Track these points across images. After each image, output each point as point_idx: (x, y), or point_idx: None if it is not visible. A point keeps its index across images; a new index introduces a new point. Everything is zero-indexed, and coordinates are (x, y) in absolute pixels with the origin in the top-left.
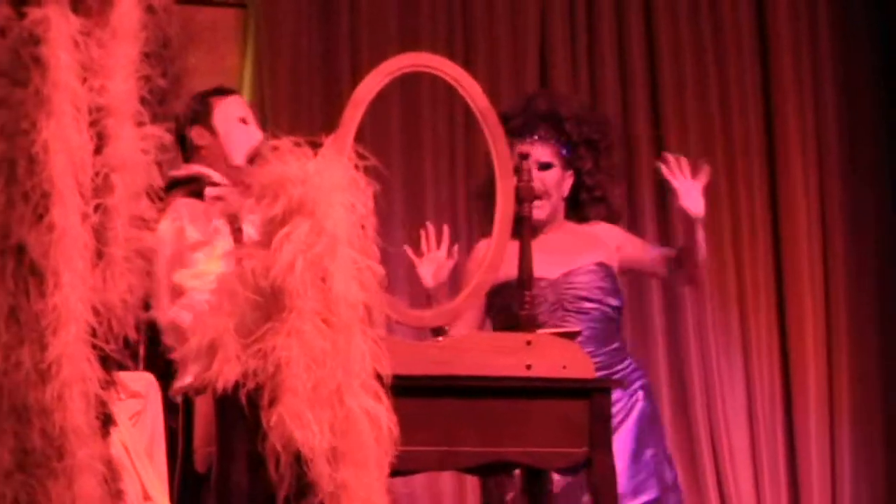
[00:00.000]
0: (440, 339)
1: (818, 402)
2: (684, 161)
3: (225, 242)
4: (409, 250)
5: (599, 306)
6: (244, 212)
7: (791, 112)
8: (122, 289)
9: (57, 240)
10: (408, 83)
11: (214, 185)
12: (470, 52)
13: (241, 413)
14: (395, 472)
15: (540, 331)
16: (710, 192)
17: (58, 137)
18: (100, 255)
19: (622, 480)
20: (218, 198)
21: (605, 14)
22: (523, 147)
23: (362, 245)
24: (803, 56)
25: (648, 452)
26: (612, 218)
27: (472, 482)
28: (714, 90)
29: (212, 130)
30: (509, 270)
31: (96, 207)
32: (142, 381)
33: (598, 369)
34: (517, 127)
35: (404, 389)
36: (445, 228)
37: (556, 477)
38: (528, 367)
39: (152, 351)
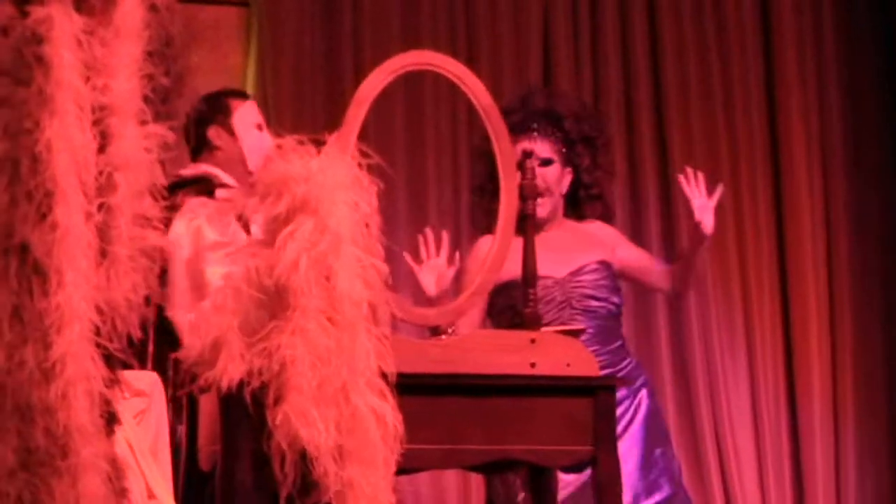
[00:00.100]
0: (444, 337)
1: (822, 401)
2: (701, 177)
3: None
4: (408, 257)
5: (605, 304)
6: (248, 211)
7: (795, 112)
8: (126, 287)
9: (60, 239)
10: (411, 81)
11: (223, 185)
12: (473, 50)
13: (246, 411)
14: (401, 471)
15: (544, 329)
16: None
17: (61, 136)
18: (103, 253)
19: (634, 480)
20: (228, 200)
21: (609, 12)
22: (524, 143)
23: (366, 243)
24: (807, 55)
25: (658, 451)
26: (607, 215)
27: (476, 480)
28: (718, 89)
29: (230, 132)
30: (512, 269)
31: (100, 206)
32: (146, 380)
33: (602, 368)
34: (515, 123)
35: (409, 387)
36: (444, 235)
37: (566, 479)
38: (533, 365)
39: (162, 350)
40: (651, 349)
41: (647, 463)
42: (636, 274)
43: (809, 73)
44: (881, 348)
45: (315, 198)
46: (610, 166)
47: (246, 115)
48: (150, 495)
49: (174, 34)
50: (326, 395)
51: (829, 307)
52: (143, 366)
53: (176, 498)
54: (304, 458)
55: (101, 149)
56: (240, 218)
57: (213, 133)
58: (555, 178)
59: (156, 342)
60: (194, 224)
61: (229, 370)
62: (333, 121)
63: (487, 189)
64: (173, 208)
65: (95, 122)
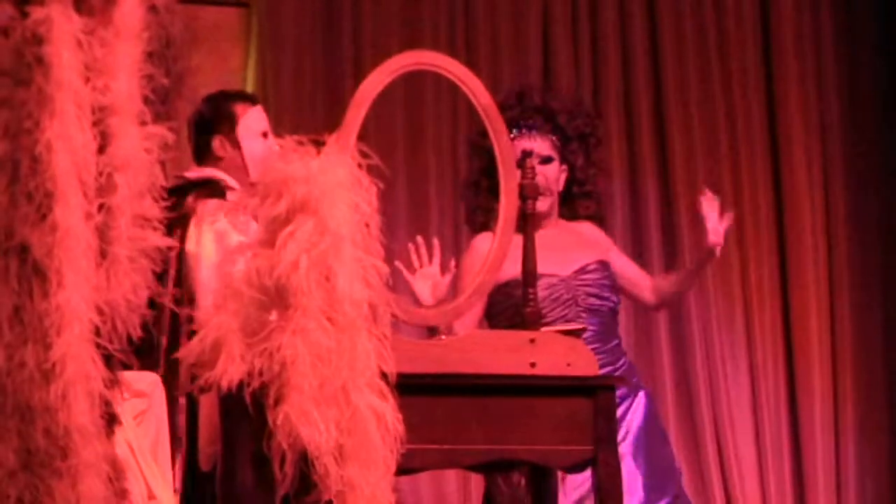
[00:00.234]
0: (442, 337)
1: (823, 402)
2: (716, 200)
3: None
4: (401, 266)
5: (606, 303)
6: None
7: (795, 112)
8: (126, 288)
9: (60, 239)
10: (411, 81)
11: (230, 188)
12: (472, 50)
13: (246, 412)
14: (401, 471)
15: (547, 326)
16: (714, 193)
17: (61, 137)
18: (103, 254)
19: (642, 481)
20: (239, 201)
21: (609, 12)
22: (523, 141)
23: (366, 243)
24: (807, 55)
25: (661, 450)
26: (599, 213)
27: (476, 480)
28: (717, 89)
29: (234, 143)
30: (512, 267)
31: (100, 207)
32: (146, 381)
33: (601, 366)
34: (512, 119)
35: (409, 388)
36: (436, 242)
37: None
38: (533, 365)
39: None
40: (651, 351)
41: (652, 464)
42: (623, 283)
43: (809, 72)
44: (881, 349)
45: (315, 198)
46: (603, 163)
47: (251, 124)
48: (151, 496)
49: (174, 35)
50: (327, 395)
51: (829, 308)
52: (156, 368)
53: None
54: (304, 458)
55: (101, 149)
56: (257, 217)
57: (217, 143)
58: (554, 175)
59: (172, 343)
60: (218, 227)
61: (229, 371)
62: (333, 121)
63: (483, 185)
64: (186, 211)
65: (95, 123)
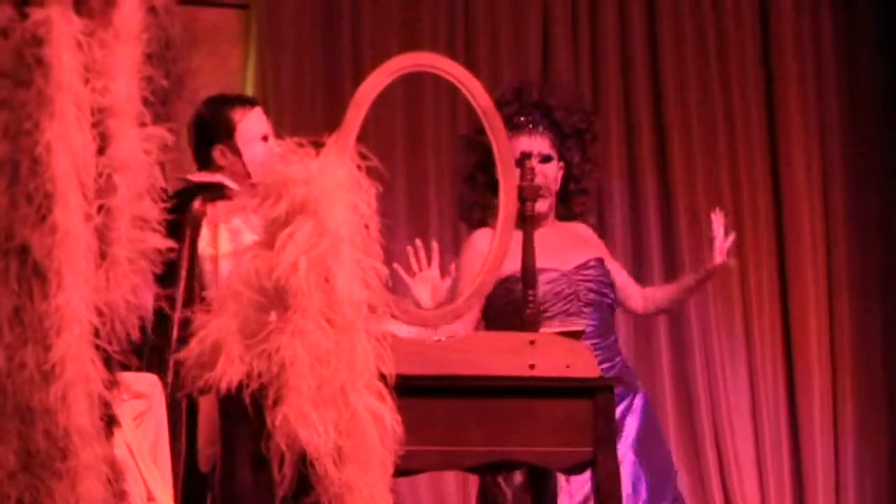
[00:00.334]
0: (443, 338)
1: (822, 403)
2: (724, 218)
3: None
4: (400, 270)
5: (605, 299)
6: (247, 212)
7: (794, 112)
8: (126, 289)
9: (60, 241)
10: (410, 82)
11: (234, 193)
12: (472, 50)
13: (245, 413)
14: (399, 472)
15: (548, 322)
16: (713, 194)
17: (61, 138)
18: (103, 255)
19: (644, 481)
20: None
21: (608, 12)
22: (523, 141)
23: (365, 245)
24: (807, 55)
25: (660, 450)
26: (593, 209)
27: (475, 482)
28: (717, 89)
29: (234, 150)
30: (510, 264)
31: (99, 208)
32: (145, 382)
33: (599, 362)
34: (510, 115)
35: (408, 389)
36: (435, 245)
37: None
38: (532, 366)
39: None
40: (651, 353)
41: (652, 463)
42: (618, 292)
43: (809, 73)
44: (880, 350)
45: (314, 200)
46: (599, 159)
47: (250, 129)
48: (150, 498)
49: (174, 36)
50: (326, 396)
51: (828, 309)
52: (161, 369)
53: (175, 500)
54: (303, 459)
55: (101, 150)
56: None
57: (218, 153)
58: (553, 174)
59: (179, 343)
60: (231, 227)
61: (228, 372)
62: (333, 122)
63: (480, 180)
64: (195, 213)
65: (95, 124)
